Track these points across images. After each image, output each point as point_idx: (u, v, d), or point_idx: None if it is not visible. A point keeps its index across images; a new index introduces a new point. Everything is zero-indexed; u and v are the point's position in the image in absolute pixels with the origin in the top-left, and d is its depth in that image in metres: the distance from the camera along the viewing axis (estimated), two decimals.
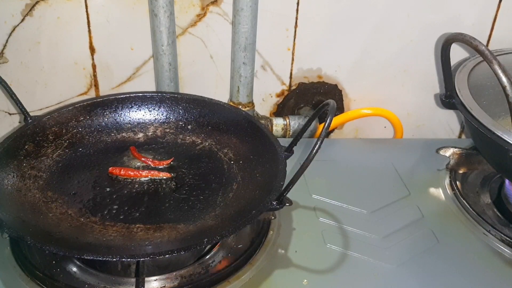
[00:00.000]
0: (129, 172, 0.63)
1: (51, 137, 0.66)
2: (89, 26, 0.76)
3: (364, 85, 0.87)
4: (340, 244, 0.60)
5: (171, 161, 0.65)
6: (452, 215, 0.66)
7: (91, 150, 0.67)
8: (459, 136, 0.94)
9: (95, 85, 0.82)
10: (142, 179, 0.63)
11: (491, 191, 0.71)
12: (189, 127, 0.70)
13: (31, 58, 0.78)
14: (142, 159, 0.65)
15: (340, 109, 0.88)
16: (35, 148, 0.63)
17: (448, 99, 0.70)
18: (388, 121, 0.88)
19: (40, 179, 0.61)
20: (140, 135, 0.70)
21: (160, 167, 0.64)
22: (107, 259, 0.49)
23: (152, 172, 0.63)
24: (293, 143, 0.61)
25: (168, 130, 0.70)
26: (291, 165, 0.67)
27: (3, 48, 0.77)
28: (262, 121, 0.82)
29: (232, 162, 0.65)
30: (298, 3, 0.77)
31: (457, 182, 0.71)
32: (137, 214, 0.57)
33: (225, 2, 0.76)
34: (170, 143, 0.69)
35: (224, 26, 0.78)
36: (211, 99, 0.70)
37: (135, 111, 0.71)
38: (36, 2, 0.73)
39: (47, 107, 0.82)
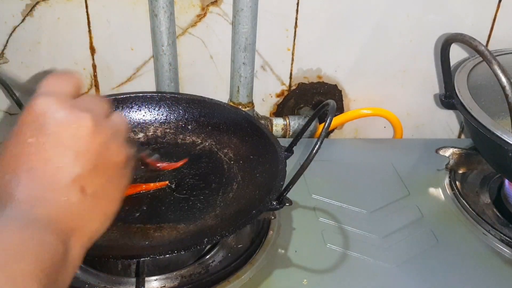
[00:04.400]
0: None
1: None
2: (89, 26, 0.76)
3: (364, 85, 0.87)
4: (340, 244, 0.60)
5: (185, 162, 0.63)
6: (451, 215, 0.66)
7: None
8: (459, 136, 0.94)
9: (95, 85, 0.82)
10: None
11: (491, 191, 0.71)
12: (189, 127, 0.70)
13: (31, 58, 0.78)
14: (158, 165, 0.61)
15: (340, 109, 0.88)
16: None
17: (448, 99, 0.70)
18: (388, 121, 0.88)
19: None
20: (140, 135, 0.70)
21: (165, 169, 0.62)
22: (107, 259, 0.49)
23: (148, 185, 0.61)
24: (293, 143, 0.61)
25: (168, 130, 0.70)
26: (291, 165, 0.67)
27: (4, 48, 0.77)
28: (262, 121, 0.82)
29: (232, 162, 0.65)
30: (298, 3, 0.78)
31: (457, 182, 0.72)
32: (137, 214, 0.57)
33: (225, 2, 0.76)
34: (170, 143, 0.69)
35: (224, 27, 0.78)
36: (211, 99, 0.70)
37: (135, 111, 0.71)
38: (37, 3, 0.73)
39: None
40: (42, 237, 0.32)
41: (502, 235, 0.62)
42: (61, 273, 0.32)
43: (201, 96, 0.71)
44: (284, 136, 0.84)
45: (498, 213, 0.67)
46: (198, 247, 0.50)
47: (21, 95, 0.74)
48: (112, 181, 0.38)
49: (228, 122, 0.69)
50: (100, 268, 0.55)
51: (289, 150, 0.61)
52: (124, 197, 0.58)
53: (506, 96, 0.55)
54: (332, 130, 0.91)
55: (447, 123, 0.92)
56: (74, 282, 0.53)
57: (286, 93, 0.87)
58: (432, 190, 0.71)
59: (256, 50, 0.79)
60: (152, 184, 0.61)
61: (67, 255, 0.33)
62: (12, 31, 0.75)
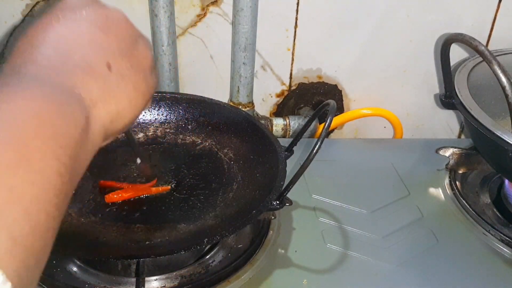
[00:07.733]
0: (125, 194, 0.59)
1: None
2: None
3: (364, 85, 0.87)
4: (340, 244, 0.60)
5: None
6: (451, 215, 0.66)
7: None
8: (459, 136, 0.94)
9: None
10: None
11: (491, 191, 0.71)
12: (189, 127, 0.70)
13: None
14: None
15: (340, 109, 0.88)
16: None
17: (448, 99, 0.70)
18: (388, 121, 0.88)
19: None
20: (141, 135, 0.70)
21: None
22: (107, 259, 0.49)
23: (150, 189, 0.60)
24: (293, 143, 0.61)
25: (168, 130, 0.70)
26: (291, 165, 0.67)
27: (4, 48, 0.77)
28: (262, 121, 0.82)
29: (232, 162, 0.65)
30: (298, 3, 0.78)
31: (457, 182, 0.72)
32: (137, 214, 0.57)
33: (225, 2, 0.76)
34: (170, 143, 0.69)
35: (224, 27, 0.78)
36: (211, 99, 0.70)
37: None
38: (37, 2, 0.73)
39: None
40: (64, 106, 0.29)
41: (502, 235, 0.62)
42: (81, 152, 0.30)
43: (201, 96, 0.71)
44: (284, 136, 0.84)
45: (498, 213, 0.67)
46: (198, 247, 0.50)
47: None
48: (138, 71, 0.37)
49: (228, 122, 0.69)
50: (100, 268, 0.55)
51: (289, 150, 0.61)
52: (124, 200, 0.59)
53: (506, 96, 0.55)
54: (332, 130, 0.91)
55: (447, 123, 0.92)
56: (74, 282, 0.54)
57: (286, 93, 0.87)
58: (432, 190, 0.71)
59: (256, 50, 0.79)
60: (153, 189, 0.61)
61: (88, 130, 0.31)
62: (13, 31, 0.75)
